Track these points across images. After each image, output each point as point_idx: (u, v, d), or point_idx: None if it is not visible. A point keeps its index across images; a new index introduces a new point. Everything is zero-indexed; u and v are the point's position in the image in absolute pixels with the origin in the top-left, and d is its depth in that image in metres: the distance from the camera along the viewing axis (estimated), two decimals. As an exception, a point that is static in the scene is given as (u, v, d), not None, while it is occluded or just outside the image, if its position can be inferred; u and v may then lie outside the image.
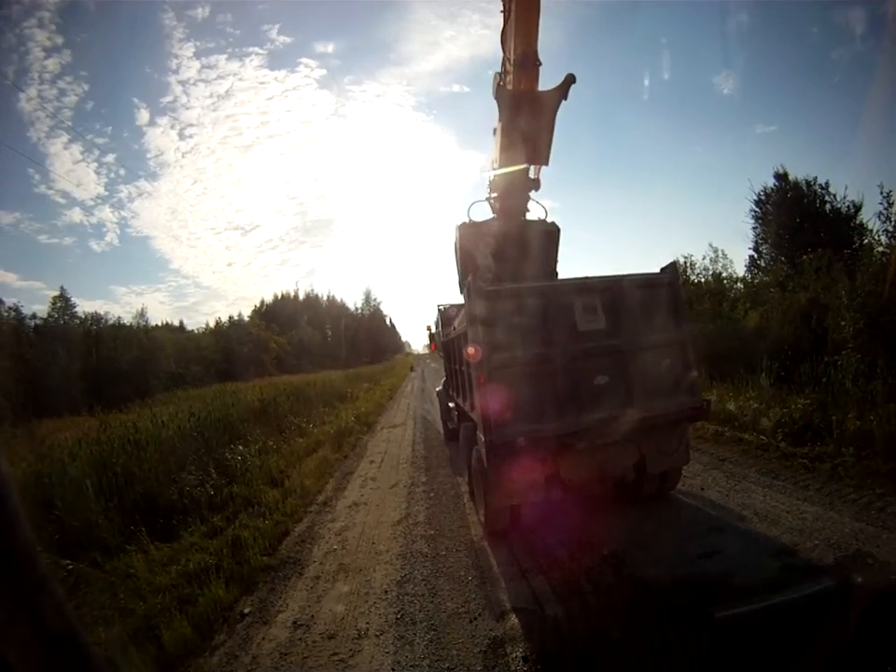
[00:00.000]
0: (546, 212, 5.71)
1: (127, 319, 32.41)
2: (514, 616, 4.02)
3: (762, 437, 7.82)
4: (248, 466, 9.14)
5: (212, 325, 41.86)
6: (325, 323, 52.03)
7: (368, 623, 4.27)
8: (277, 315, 46.35)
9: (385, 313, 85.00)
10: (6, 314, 25.34)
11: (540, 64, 5.60)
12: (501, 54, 6.13)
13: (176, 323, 40.09)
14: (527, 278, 5.74)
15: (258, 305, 49.78)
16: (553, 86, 6.04)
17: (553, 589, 4.33)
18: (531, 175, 5.91)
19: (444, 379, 11.06)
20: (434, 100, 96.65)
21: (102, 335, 27.83)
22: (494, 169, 5.90)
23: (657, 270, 5.65)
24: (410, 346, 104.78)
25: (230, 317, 45.03)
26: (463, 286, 5.40)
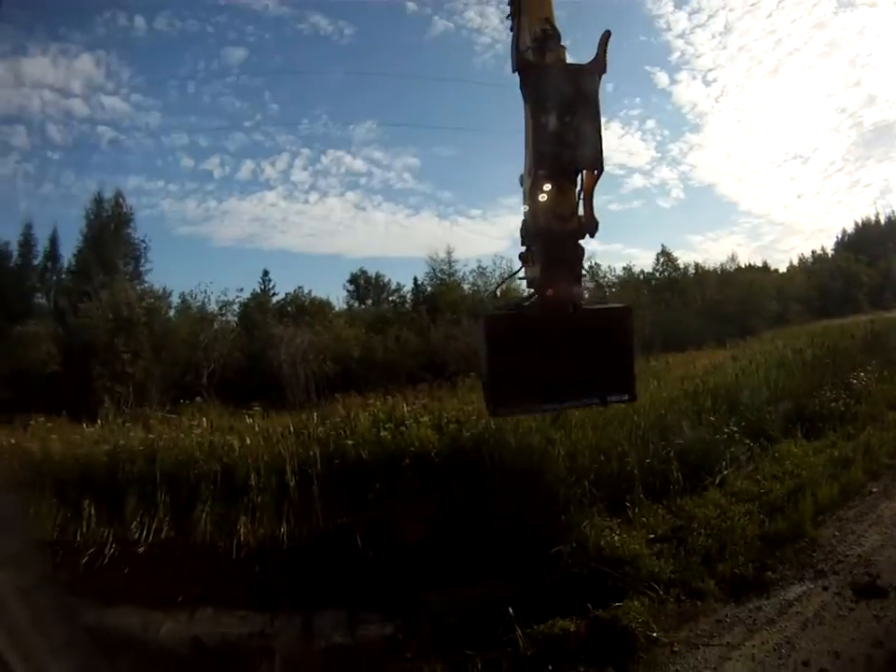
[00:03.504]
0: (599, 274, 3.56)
1: (708, 265, 33.67)
2: None
3: None
4: (870, 390, 10.36)
5: (794, 262, 40.35)
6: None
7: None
8: (862, 244, 39.81)
9: None
10: (622, 273, 28.97)
11: (565, 47, 4.42)
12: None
13: (759, 263, 39.73)
14: (581, 389, 4.40)
15: (839, 236, 44.30)
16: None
17: None
18: (579, 209, 4.06)
19: None
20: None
21: (705, 281, 29.49)
22: (526, 194, 4.33)
23: None
24: None
25: (812, 252, 42.26)
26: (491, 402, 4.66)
